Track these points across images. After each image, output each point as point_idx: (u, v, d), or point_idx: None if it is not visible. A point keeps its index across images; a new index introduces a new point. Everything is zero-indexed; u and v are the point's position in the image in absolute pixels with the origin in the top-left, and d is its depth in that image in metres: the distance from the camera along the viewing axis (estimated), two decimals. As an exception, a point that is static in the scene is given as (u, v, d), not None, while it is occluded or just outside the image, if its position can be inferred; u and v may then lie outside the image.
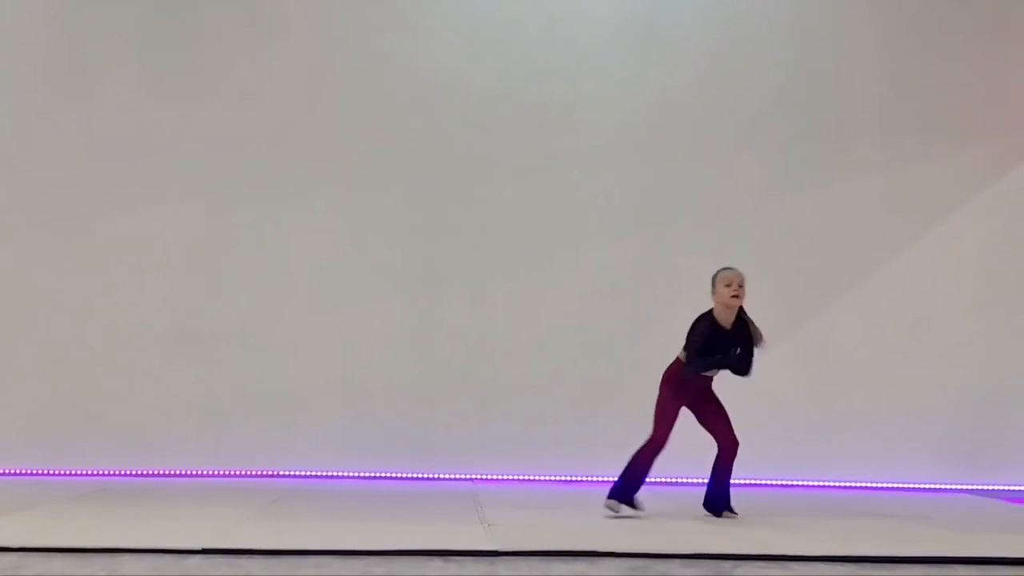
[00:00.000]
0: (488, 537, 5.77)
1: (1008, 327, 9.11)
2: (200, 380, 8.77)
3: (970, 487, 8.77)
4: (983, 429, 8.97)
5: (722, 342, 6.61)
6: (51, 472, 8.52)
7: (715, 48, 9.17)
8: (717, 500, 6.78)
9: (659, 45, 9.14)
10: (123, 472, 8.55)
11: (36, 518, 6.34)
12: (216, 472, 8.62)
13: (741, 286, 6.61)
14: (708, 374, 6.68)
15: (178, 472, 8.65)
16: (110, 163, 8.87)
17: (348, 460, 8.74)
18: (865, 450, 8.88)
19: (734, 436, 6.75)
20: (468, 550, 5.32)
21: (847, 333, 9.03)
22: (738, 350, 6.58)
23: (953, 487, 8.78)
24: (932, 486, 8.80)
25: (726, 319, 6.61)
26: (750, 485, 8.34)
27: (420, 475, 8.74)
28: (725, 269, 6.67)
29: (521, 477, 8.75)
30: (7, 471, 8.56)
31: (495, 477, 8.72)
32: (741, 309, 6.66)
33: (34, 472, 8.54)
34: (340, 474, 8.71)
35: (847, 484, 8.78)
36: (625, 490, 6.64)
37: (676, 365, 6.70)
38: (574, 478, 8.67)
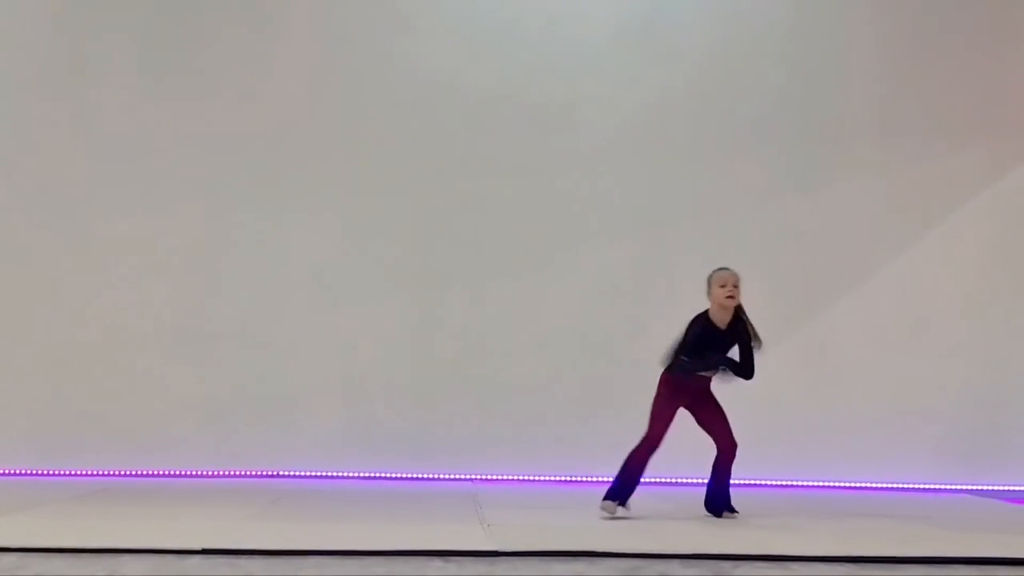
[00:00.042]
0: (488, 537, 5.77)
1: (1008, 327, 9.11)
2: (200, 380, 8.77)
3: (970, 487, 8.77)
4: (983, 429, 8.97)
5: (718, 342, 6.61)
6: (51, 472, 8.52)
7: (715, 48, 9.17)
8: (717, 500, 6.78)
9: (659, 45, 9.15)
10: (123, 472, 8.56)
11: (36, 518, 6.34)
12: (216, 472, 8.62)
13: (736, 286, 6.60)
14: (706, 374, 6.68)
15: (178, 472, 8.65)
16: (110, 163, 8.87)
17: (348, 460, 8.74)
18: (865, 450, 8.88)
19: (732, 438, 6.75)
20: (468, 550, 5.31)
21: (847, 333, 9.04)
22: (727, 361, 6.58)
23: (953, 487, 8.78)
24: (932, 486, 8.80)
25: (722, 319, 6.60)
26: (750, 485, 8.33)
27: (420, 475, 8.74)
28: (720, 269, 6.67)
29: (521, 477, 8.75)
30: (7, 471, 8.56)
31: (495, 477, 8.72)
32: (740, 309, 6.66)
33: (34, 472, 8.54)
34: (340, 474, 8.71)
35: (847, 484, 8.78)
36: (621, 491, 6.62)
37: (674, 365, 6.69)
38: (574, 478, 8.67)
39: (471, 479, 8.69)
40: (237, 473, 8.63)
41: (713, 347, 6.60)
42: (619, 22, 9.16)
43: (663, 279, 8.86)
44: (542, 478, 8.76)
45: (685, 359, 6.56)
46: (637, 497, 6.69)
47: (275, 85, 8.99)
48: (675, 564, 5.18)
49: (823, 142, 9.12)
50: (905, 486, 8.81)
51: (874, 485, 8.80)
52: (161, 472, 8.63)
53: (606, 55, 9.13)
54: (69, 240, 8.82)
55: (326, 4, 9.10)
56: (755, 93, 9.14)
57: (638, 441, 6.64)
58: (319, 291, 8.90)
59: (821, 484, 8.79)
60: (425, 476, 8.74)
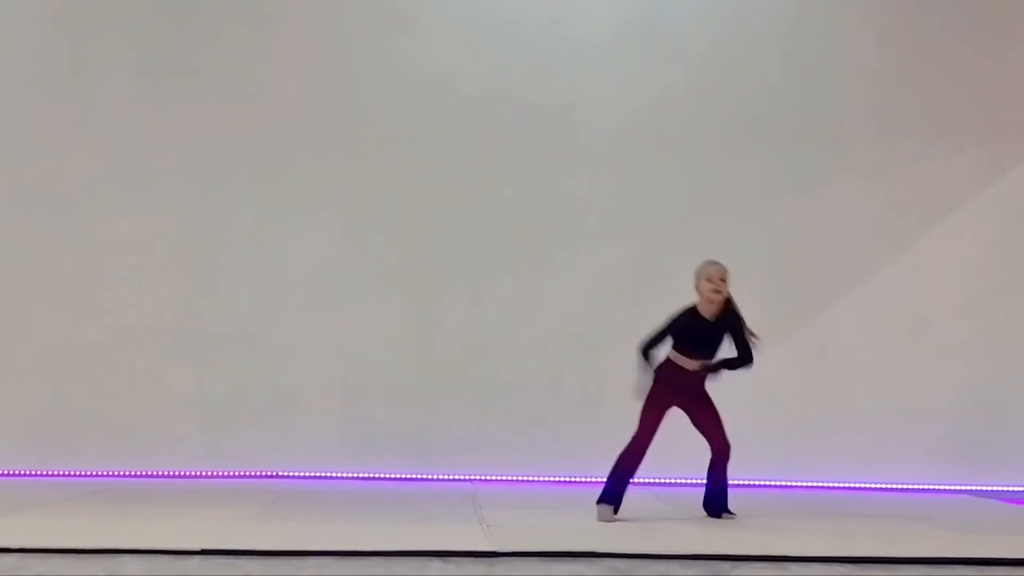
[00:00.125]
0: (487, 538, 5.77)
1: (1007, 327, 9.11)
2: (200, 380, 8.77)
3: (969, 487, 8.77)
4: (982, 429, 8.97)
5: (707, 334, 6.58)
6: (50, 472, 8.52)
7: (715, 49, 9.17)
8: (715, 502, 6.78)
9: (658, 46, 9.15)
10: (122, 473, 8.55)
11: (35, 519, 6.35)
12: (215, 473, 8.62)
13: (723, 280, 6.59)
14: (695, 368, 6.63)
15: (177, 473, 8.65)
16: (110, 163, 8.87)
17: (347, 461, 8.74)
18: (864, 450, 8.88)
19: (726, 440, 6.73)
20: (467, 551, 5.32)
21: (846, 333, 9.03)
22: (718, 367, 6.58)
23: (952, 487, 8.77)
24: (931, 486, 8.80)
25: (710, 312, 6.59)
26: (749, 486, 8.34)
27: (419, 476, 8.74)
28: (708, 263, 6.66)
29: (520, 478, 8.75)
30: (6, 471, 8.55)
31: (494, 478, 8.72)
32: (731, 301, 6.63)
33: (33, 473, 8.53)
34: (339, 475, 8.70)
35: (846, 485, 8.78)
36: (613, 494, 6.60)
37: (666, 363, 6.67)
38: (573, 479, 8.67)
39: (470, 479, 8.69)
40: (236, 473, 8.63)
41: (701, 339, 6.58)
42: (619, 22, 9.16)
43: (663, 279, 8.84)
44: (541, 479, 8.76)
45: (645, 341, 6.57)
46: (637, 497, 6.69)
47: (275, 85, 8.99)
48: (675, 564, 5.19)
49: (823, 142, 9.12)
50: (904, 486, 8.81)
51: (873, 485, 8.80)
52: (160, 472, 8.63)
53: (606, 55, 9.13)
54: (69, 240, 8.82)
55: (326, 4, 9.10)
56: (755, 93, 9.14)
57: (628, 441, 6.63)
58: (319, 291, 8.90)
59: (820, 484, 8.78)
60: (424, 476, 8.74)
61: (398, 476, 8.74)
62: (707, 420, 6.72)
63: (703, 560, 5.29)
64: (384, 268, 8.92)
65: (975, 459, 8.92)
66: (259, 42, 9.00)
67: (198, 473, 8.63)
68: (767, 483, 8.68)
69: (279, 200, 8.93)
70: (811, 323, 9.02)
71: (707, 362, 6.60)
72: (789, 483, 8.78)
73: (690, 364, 6.62)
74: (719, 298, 6.58)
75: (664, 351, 6.68)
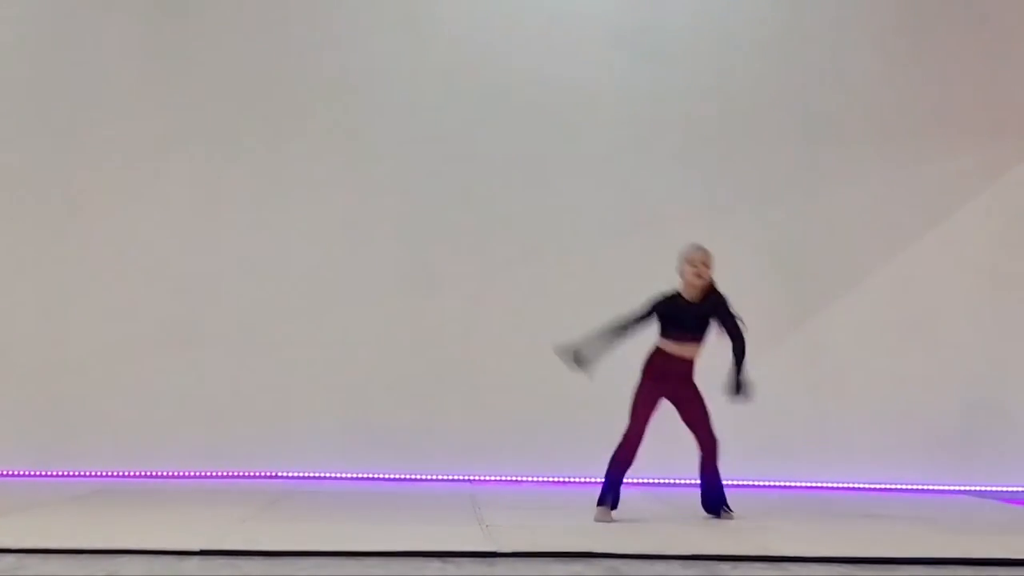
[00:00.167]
0: (486, 538, 5.76)
1: (1006, 327, 9.12)
2: (199, 380, 8.76)
3: (969, 488, 8.77)
4: (982, 429, 8.97)
5: (690, 316, 6.56)
6: (49, 473, 8.51)
7: (713, 49, 9.18)
8: (712, 499, 6.76)
9: (657, 46, 9.15)
10: (121, 473, 8.55)
11: (34, 519, 6.34)
12: (214, 473, 8.62)
13: (705, 264, 6.58)
14: (684, 355, 6.60)
15: (176, 473, 8.64)
16: (109, 163, 8.87)
17: (346, 461, 8.74)
18: (863, 450, 8.88)
19: (713, 435, 6.69)
20: (466, 551, 5.31)
21: (845, 334, 9.04)
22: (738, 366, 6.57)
23: (952, 488, 8.77)
24: (930, 487, 8.80)
25: (692, 295, 6.58)
26: (748, 486, 8.33)
27: (418, 476, 8.74)
28: (691, 247, 6.64)
29: (519, 478, 8.75)
30: (5, 472, 8.55)
31: (493, 478, 8.72)
32: (714, 286, 6.59)
33: (32, 473, 8.53)
34: (338, 475, 8.70)
35: (845, 485, 8.78)
36: (610, 494, 6.58)
37: (653, 353, 6.66)
38: (572, 479, 8.67)
39: (469, 480, 8.69)
40: (235, 474, 8.62)
41: (687, 321, 6.55)
42: (617, 24, 9.17)
43: (662, 279, 8.82)
44: (541, 479, 8.76)
45: (619, 322, 6.60)
46: (635, 497, 6.68)
47: (274, 85, 8.99)
48: (674, 565, 5.18)
49: (821, 143, 9.13)
50: (904, 486, 8.81)
51: (873, 485, 8.80)
52: (159, 473, 8.63)
53: (604, 56, 9.13)
54: (69, 240, 8.82)
55: (326, 4, 9.10)
56: (753, 94, 9.15)
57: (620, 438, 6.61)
58: (318, 291, 8.90)
59: (820, 484, 8.78)
60: (423, 477, 8.74)
61: (397, 476, 8.74)
62: (695, 413, 6.67)
63: (702, 560, 5.28)
64: (383, 268, 8.92)
65: (975, 459, 8.93)
66: (259, 41, 9.01)
67: (197, 473, 8.63)
68: (767, 483, 8.68)
69: (279, 200, 8.93)
70: (810, 323, 9.03)
71: (735, 378, 6.56)
72: (789, 483, 8.78)
73: (680, 350, 6.58)
74: (701, 282, 6.56)
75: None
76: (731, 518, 6.70)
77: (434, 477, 8.73)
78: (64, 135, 8.88)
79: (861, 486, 8.78)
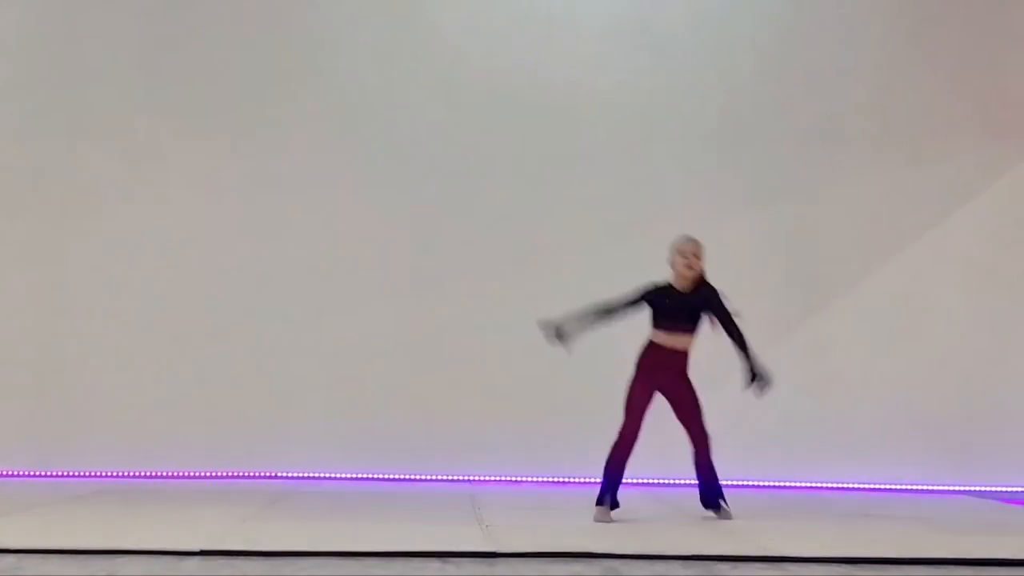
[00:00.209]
0: (486, 538, 5.76)
1: (1006, 327, 9.11)
2: (199, 381, 8.76)
3: (968, 488, 8.76)
4: (981, 430, 8.97)
5: (682, 305, 6.56)
6: (48, 473, 8.52)
7: (711, 50, 9.18)
8: (710, 494, 6.74)
9: (656, 47, 9.15)
10: (121, 473, 8.55)
11: (33, 519, 6.34)
12: (214, 473, 8.62)
13: (696, 255, 6.58)
14: (677, 347, 6.57)
15: (176, 473, 8.65)
16: (107, 163, 8.87)
17: (346, 461, 8.74)
18: (863, 451, 8.88)
19: (705, 430, 6.66)
20: (466, 551, 5.31)
21: (845, 334, 9.04)
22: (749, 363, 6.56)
23: (951, 488, 8.77)
24: (930, 487, 8.80)
25: (683, 286, 6.59)
26: (748, 486, 8.34)
27: (418, 476, 8.74)
28: (682, 238, 6.64)
29: (519, 478, 8.75)
30: (5, 472, 8.55)
31: (493, 478, 8.72)
32: (704, 277, 6.58)
33: (31, 473, 8.53)
34: (338, 475, 8.70)
35: (845, 485, 8.78)
36: (609, 492, 6.57)
37: (646, 346, 6.64)
38: (572, 479, 8.67)
39: (469, 480, 8.69)
40: (235, 474, 8.62)
41: (678, 311, 6.55)
42: (615, 23, 9.17)
43: (662, 279, 8.84)
44: (540, 479, 8.76)
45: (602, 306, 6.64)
46: (635, 498, 6.68)
47: (273, 85, 8.99)
48: (674, 565, 5.18)
49: (820, 143, 9.12)
50: (903, 487, 8.81)
51: (872, 486, 8.80)
52: (159, 473, 8.63)
53: (603, 56, 9.14)
54: (69, 240, 8.82)
55: (324, 4, 9.10)
56: (752, 94, 9.15)
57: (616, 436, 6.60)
58: (318, 291, 8.90)
59: (819, 485, 8.78)
60: (423, 477, 8.74)
61: (397, 477, 8.74)
62: (688, 408, 6.64)
63: (702, 560, 5.28)
64: (383, 268, 8.92)
65: (974, 459, 8.92)
66: (257, 42, 9.01)
67: (197, 473, 8.63)
68: (766, 483, 8.68)
69: (279, 200, 8.93)
70: (809, 324, 9.02)
71: (749, 369, 6.54)
72: (788, 483, 8.78)
73: (672, 341, 6.55)
74: (691, 273, 6.56)
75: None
76: (729, 517, 6.69)
77: (434, 477, 8.73)
78: (64, 135, 8.88)
79: (861, 486, 8.78)
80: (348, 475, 8.70)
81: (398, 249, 8.94)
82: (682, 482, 8.17)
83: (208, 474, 8.62)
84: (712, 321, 6.58)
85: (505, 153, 9.03)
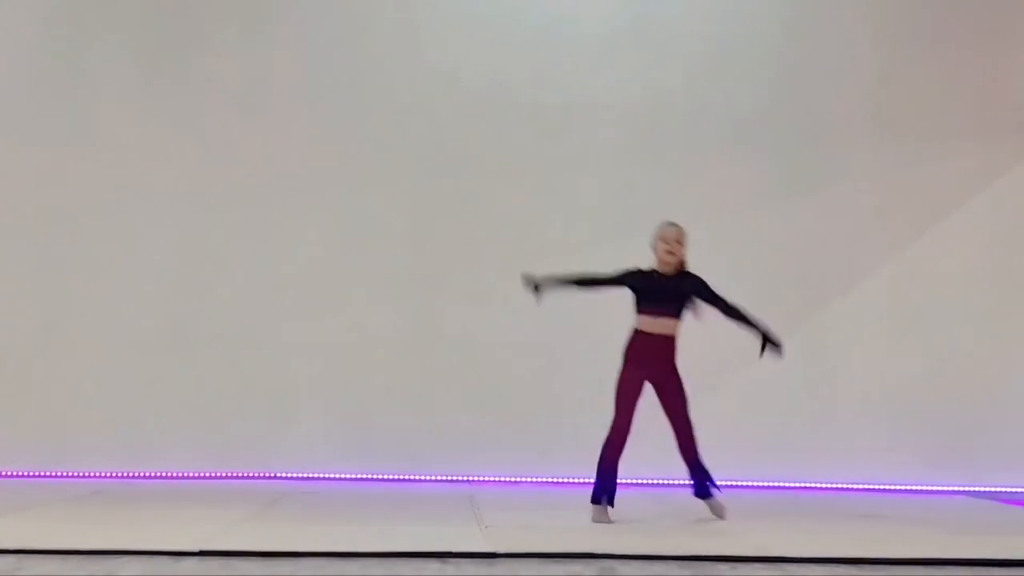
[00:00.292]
0: (485, 539, 5.76)
1: (1005, 328, 9.11)
2: (198, 381, 8.76)
3: (968, 488, 8.76)
4: (981, 430, 8.97)
5: (665, 287, 6.55)
6: (48, 473, 8.51)
7: (711, 50, 9.18)
8: (701, 483, 6.70)
9: (655, 47, 9.15)
10: (120, 474, 8.54)
11: (32, 520, 6.34)
12: (213, 474, 8.62)
13: (678, 242, 6.56)
14: (662, 332, 6.55)
15: (175, 474, 8.64)
16: (106, 164, 8.87)
17: (345, 462, 8.74)
18: (862, 451, 8.87)
19: (689, 421, 6.61)
20: (465, 552, 5.31)
21: (844, 334, 9.03)
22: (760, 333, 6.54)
23: (951, 488, 8.77)
24: (929, 487, 8.80)
25: (665, 272, 6.59)
26: (748, 486, 8.34)
27: (417, 477, 8.73)
28: (664, 224, 6.64)
29: (518, 479, 8.75)
30: (4, 472, 8.54)
31: (492, 479, 8.71)
32: (685, 265, 6.58)
33: (30, 474, 8.53)
34: (337, 476, 8.70)
35: (844, 486, 8.77)
36: (604, 490, 6.55)
37: (632, 336, 6.61)
38: (571, 479, 8.65)
39: (468, 480, 8.69)
40: (234, 475, 8.62)
41: (662, 293, 6.53)
42: (615, 24, 9.16)
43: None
44: (539, 479, 8.76)
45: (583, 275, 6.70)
46: (634, 498, 6.67)
47: (271, 85, 8.99)
48: (673, 565, 5.18)
49: (819, 144, 9.12)
50: (903, 487, 8.81)
51: (871, 486, 8.79)
52: (158, 474, 8.63)
53: (603, 57, 9.13)
54: (66, 240, 8.81)
55: (323, 5, 9.10)
56: (751, 95, 9.14)
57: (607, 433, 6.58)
58: (317, 292, 8.90)
59: (818, 485, 8.77)
60: (422, 477, 8.73)
61: (396, 477, 8.73)
62: (674, 399, 6.60)
63: (701, 561, 5.28)
64: (382, 269, 8.92)
65: (974, 460, 8.92)
66: (256, 42, 9.00)
67: (196, 474, 8.63)
68: (765, 484, 8.67)
69: (277, 200, 8.93)
70: (809, 324, 9.01)
71: (761, 339, 6.53)
72: (787, 484, 8.77)
73: (657, 326, 6.53)
74: (673, 259, 6.56)
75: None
76: (722, 509, 6.63)
77: (433, 477, 8.73)
78: (64, 135, 8.87)
79: (861, 486, 8.78)
80: (347, 475, 8.70)
81: (398, 249, 8.94)
82: (681, 482, 8.16)
83: (207, 474, 8.62)
84: (695, 309, 6.55)
85: (505, 154, 9.02)
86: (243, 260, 8.88)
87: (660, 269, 6.61)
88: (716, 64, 9.17)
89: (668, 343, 6.59)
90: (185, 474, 8.64)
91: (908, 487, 8.80)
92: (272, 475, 8.68)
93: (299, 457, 8.74)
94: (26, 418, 8.67)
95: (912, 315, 9.08)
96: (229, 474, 8.61)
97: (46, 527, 6.07)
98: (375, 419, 8.80)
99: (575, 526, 6.34)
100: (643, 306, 6.59)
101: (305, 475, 8.70)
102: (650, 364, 6.57)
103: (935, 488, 8.78)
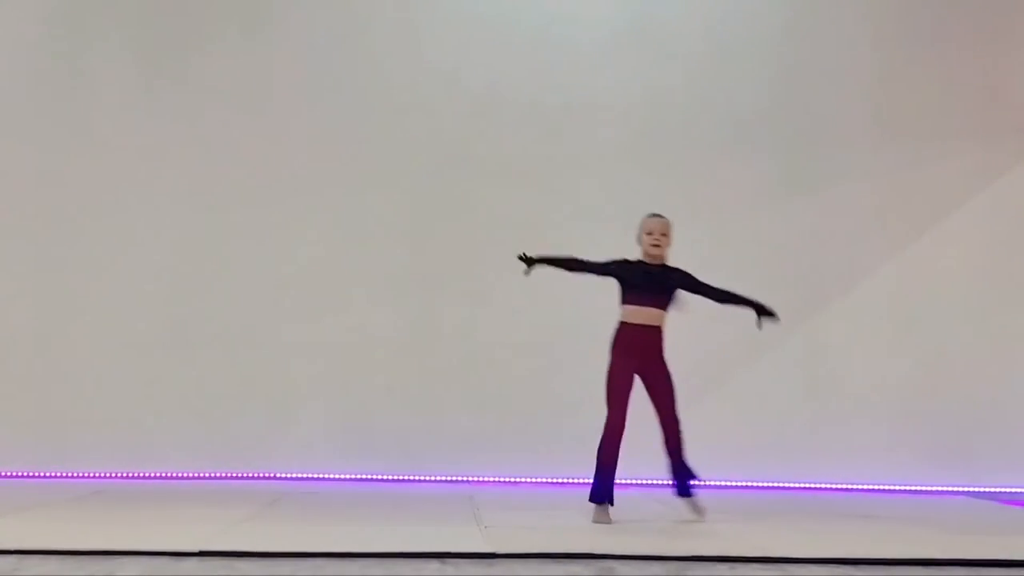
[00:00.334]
0: (485, 539, 5.76)
1: (1005, 328, 9.12)
2: (197, 381, 8.77)
3: (968, 489, 8.76)
4: (981, 430, 8.98)
5: (651, 276, 6.54)
6: (47, 474, 8.51)
7: (711, 50, 9.19)
8: (682, 482, 6.68)
9: (655, 47, 9.16)
10: (119, 474, 8.55)
11: (32, 520, 6.34)
12: (213, 474, 8.62)
13: (664, 235, 6.56)
14: (648, 323, 6.54)
15: (175, 474, 8.64)
16: (106, 164, 8.88)
17: (345, 462, 8.74)
18: (862, 452, 8.88)
19: (676, 415, 6.61)
20: (465, 552, 5.31)
21: (844, 334, 9.04)
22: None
23: (951, 489, 8.77)
24: (929, 488, 8.80)
25: (651, 263, 6.59)
26: (748, 486, 8.34)
27: (417, 477, 8.74)
28: (649, 216, 6.64)
29: (518, 479, 8.75)
30: (4, 472, 8.54)
31: (492, 479, 8.71)
32: (675, 267, 6.59)
33: (30, 474, 8.53)
34: (337, 476, 8.70)
35: (844, 486, 8.78)
36: (603, 489, 6.53)
37: (618, 328, 6.61)
38: (571, 480, 8.66)
39: (468, 481, 8.69)
40: (234, 475, 8.62)
41: (648, 282, 6.52)
42: (616, 24, 9.18)
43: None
44: (539, 480, 8.76)
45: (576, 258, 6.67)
46: (633, 498, 6.67)
47: (271, 86, 9.00)
48: (672, 566, 5.18)
49: (819, 144, 9.14)
50: (902, 488, 8.81)
51: (871, 487, 8.80)
52: (158, 474, 8.63)
53: (603, 57, 9.14)
54: (66, 240, 8.82)
55: (324, 5, 9.10)
56: (751, 95, 9.15)
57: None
58: (317, 292, 8.90)
59: (818, 486, 8.78)
60: (422, 478, 8.74)
61: (396, 477, 8.74)
62: (662, 392, 6.59)
63: (700, 561, 5.28)
64: (382, 269, 8.92)
65: (974, 460, 8.93)
66: (256, 42, 9.02)
67: (196, 474, 8.63)
68: (765, 484, 8.67)
69: (278, 200, 8.94)
70: (809, 324, 9.02)
71: (756, 311, 6.57)
72: (787, 484, 8.77)
73: (642, 316, 6.51)
74: (658, 252, 6.56)
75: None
76: (702, 510, 6.61)
77: (433, 478, 8.73)
78: (64, 135, 8.88)
79: (860, 487, 8.78)
80: (347, 475, 8.70)
81: (398, 249, 8.94)
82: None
83: (207, 474, 8.62)
84: (680, 304, 6.56)
85: (505, 154, 9.02)
86: (243, 260, 8.88)
87: (647, 261, 6.60)
88: (716, 64, 9.18)
89: (655, 334, 6.57)
90: (185, 474, 8.64)
91: (908, 487, 8.81)
92: (272, 475, 8.68)
93: (299, 457, 8.75)
94: (26, 418, 8.67)
95: (912, 315, 9.09)
96: (229, 474, 8.62)
97: (46, 527, 6.07)
98: (375, 419, 8.80)
99: (574, 526, 6.34)
100: (630, 296, 6.58)
101: (305, 475, 8.70)
102: (638, 355, 6.55)
103: (935, 488, 8.79)
